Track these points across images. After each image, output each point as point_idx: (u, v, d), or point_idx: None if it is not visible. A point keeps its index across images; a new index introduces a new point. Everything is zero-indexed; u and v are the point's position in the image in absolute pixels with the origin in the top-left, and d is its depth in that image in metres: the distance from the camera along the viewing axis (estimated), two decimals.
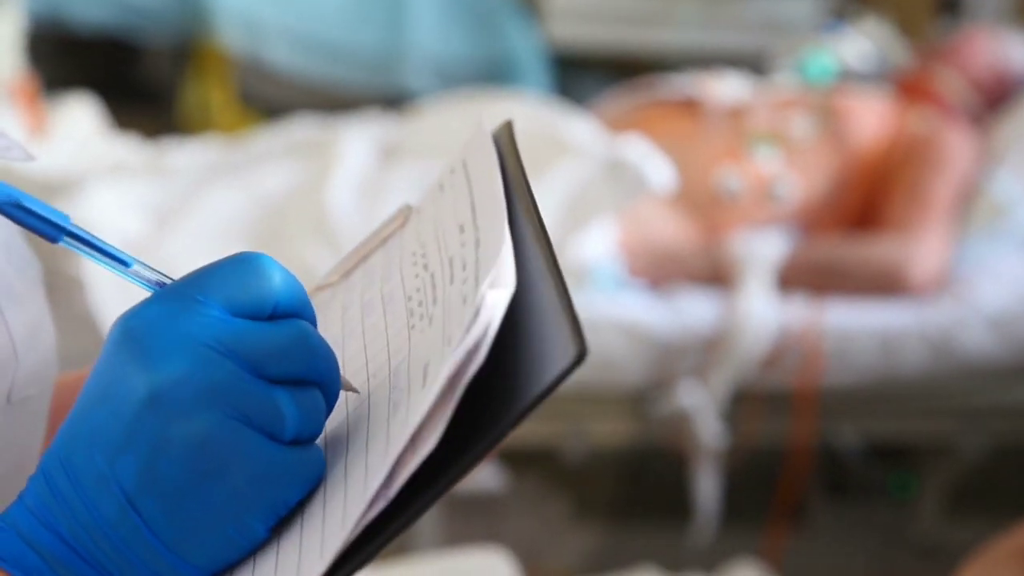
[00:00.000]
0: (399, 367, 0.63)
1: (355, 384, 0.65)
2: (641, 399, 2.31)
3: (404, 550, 2.18)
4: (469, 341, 0.55)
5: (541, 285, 0.58)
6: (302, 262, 2.18)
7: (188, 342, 0.57)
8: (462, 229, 0.65)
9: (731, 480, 2.36)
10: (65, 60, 3.66)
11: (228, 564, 0.58)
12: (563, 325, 0.55)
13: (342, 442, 0.61)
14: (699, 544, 2.34)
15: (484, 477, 2.33)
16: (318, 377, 0.59)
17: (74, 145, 2.56)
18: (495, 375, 0.56)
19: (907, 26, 3.40)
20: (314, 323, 0.62)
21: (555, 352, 0.55)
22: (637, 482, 2.66)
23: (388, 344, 0.65)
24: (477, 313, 0.55)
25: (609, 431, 2.33)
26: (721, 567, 1.90)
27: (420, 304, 0.65)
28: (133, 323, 0.58)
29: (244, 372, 0.57)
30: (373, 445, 0.59)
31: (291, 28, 3.54)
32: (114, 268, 0.62)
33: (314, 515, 0.58)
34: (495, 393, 0.56)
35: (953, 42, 2.80)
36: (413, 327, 0.64)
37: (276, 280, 0.59)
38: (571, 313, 0.56)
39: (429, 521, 2.30)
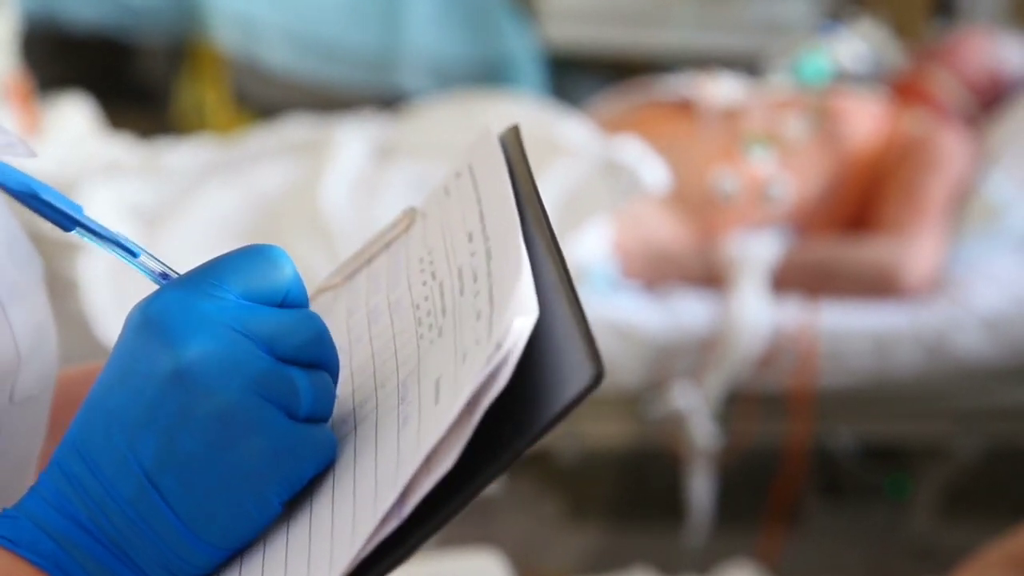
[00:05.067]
0: (408, 378, 0.62)
1: (362, 392, 0.65)
2: (636, 400, 2.30)
3: None
4: (491, 367, 0.55)
5: (556, 302, 0.58)
6: (297, 261, 2.16)
7: (208, 322, 0.59)
8: (471, 238, 0.65)
9: (726, 481, 2.35)
10: (59, 60, 3.65)
11: (243, 541, 0.60)
12: (579, 345, 0.55)
13: (350, 450, 0.62)
14: (694, 545, 2.34)
15: None
16: (327, 362, 0.62)
17: (68, 145, 2.55)
18: (509, 393, 0.56)
19: (902, 27, 3.40)
20: None
21: (572, 373, 0.55)
22: (632, 483, 2.65)
23: (396, 353, 0.65)
24: (500, 343, 0.55)
25: (604, 432, 2.33)
26: (716, 568, 1.90)
27: (428, 314, 0.65)
28: (153, 308, 0.59)
29: (261, 351, 0.59)
30: (383, 459, 0.59)
31: (286, 28, 3.54)
32: (123, 257, 0.64)
33: (322, 525, 0.58)
34: (509, 412, 0.56)
35: (948, 44, 2.80)
36: (422, 336, 0.64)
37: (288, 270, 0.63)
38: (587, 332, 0.56)
39: None
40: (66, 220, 0.63)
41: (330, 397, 0.62)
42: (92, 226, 0.63)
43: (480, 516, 2.41)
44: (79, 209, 0.63)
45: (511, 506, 2.48)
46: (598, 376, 0.53)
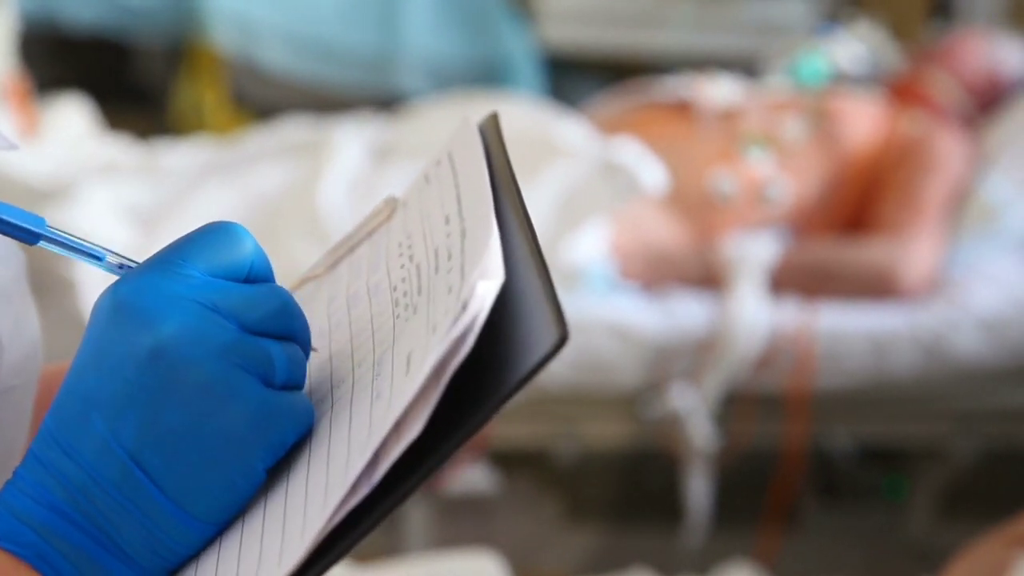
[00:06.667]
0: (383, 356, 0.63)
1: (340, 373, 0.66)
2: (633, 401, 2.31)
3: (394, 551, 2.18)
4: (456, 331, 0.56)
5: (524, 273, 0.59)
6: (295, 262, 2.17)
7: (178, 300, 0.60)
8: (447, 220, 0.66)
9: (724, 482, 2.36)
10: (57, 60, 3.65)
11: (229, 513, 0.60)
12: (545, 311, 0.56)
13: (325, 426, 0.62)
14: (692, 546, 2.34)
15: (475, 478, 2.33)
16: (295, 332, 0.62)
17: (66, 146, 2.55)
18: (478, 360, 0.56)
19: (900, 29, 3.40)
20: None
21: (538, 337, 0.55)
22: (630, 484, 2.65)
23: (373, 334, 0.66)
24: (466, 304, 0.56)
25: (602, 433, 2.33)
26: (714, 569, 1.90)
27: (405, 294, 0.66)
28: (123, 291, 0.60)
29: (231, 324, 0.60)
30: (355, 431, 0.59)
31: (284, 28, 3.54)
32: (89, 262, 0.65)
33: (297, 497, 0.59)
34: (478, 378, 0.57)
35: (945, 45, 2.80)
36: (398, 316, 0.65)
37: (248, 245, 0.63)
38: (553, 299, 0.57)
39: (419, 522, 2.30)
40: (28, 235, 0.63)
41: (302, 367, 0.63)
42: (55, 236, 0.64)
43: (477, 517, 2.41)
44: (41, 222, 0.64)
45: (509, 507, 2.48)
46: (563, 338, 0.54)
